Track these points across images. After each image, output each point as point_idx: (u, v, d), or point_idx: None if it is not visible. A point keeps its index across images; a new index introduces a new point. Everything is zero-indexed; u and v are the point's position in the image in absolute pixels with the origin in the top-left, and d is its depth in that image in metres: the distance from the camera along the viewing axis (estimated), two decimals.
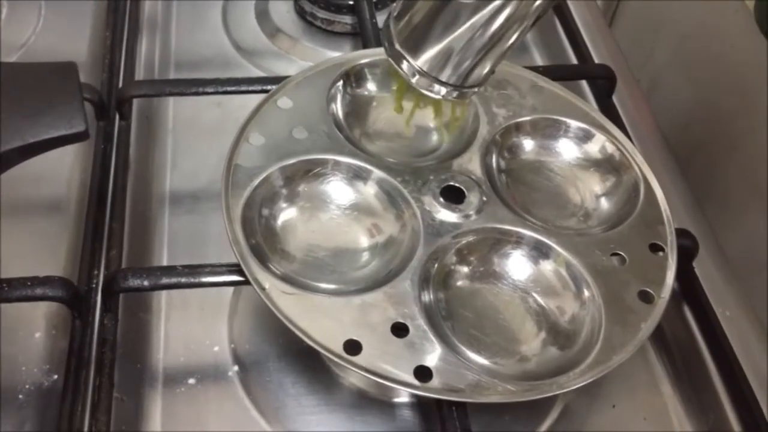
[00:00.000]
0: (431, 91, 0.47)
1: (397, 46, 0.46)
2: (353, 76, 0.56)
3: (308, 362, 0.50)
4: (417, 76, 0.46)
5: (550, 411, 0.50)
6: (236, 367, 0.50)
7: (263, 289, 0.44)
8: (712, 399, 0.50)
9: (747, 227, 0.71)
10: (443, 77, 0.46)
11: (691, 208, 0.60)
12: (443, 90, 0.47)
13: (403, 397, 0.49)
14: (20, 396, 0.47)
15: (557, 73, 0.61)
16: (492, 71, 0.47)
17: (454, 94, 0.47)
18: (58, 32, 0.69)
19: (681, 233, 0.53)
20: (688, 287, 0.54)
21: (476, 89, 0.48)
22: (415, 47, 0.46)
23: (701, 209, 0.61)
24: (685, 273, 0.54)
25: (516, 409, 0.49)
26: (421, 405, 0.49)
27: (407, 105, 0.53)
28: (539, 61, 0.75)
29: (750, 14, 0.66)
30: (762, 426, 0.47)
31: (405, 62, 0.46)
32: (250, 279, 0.44)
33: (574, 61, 0.71)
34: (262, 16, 0.74)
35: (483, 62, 0.46)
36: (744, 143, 0.73)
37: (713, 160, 0.77)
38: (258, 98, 0.53)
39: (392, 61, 0.47)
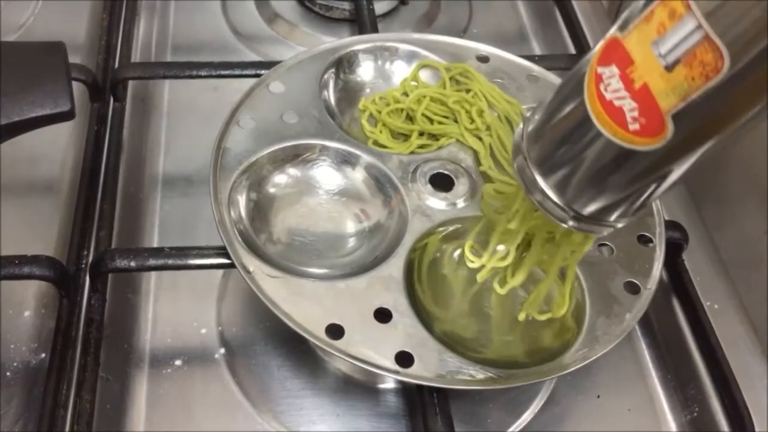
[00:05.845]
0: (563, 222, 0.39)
1: (535, 173, 0.38)
2: (346, 62, 0.56)
3: (294, 346, 0.50)
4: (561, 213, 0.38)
5: (534, 399, 0.50)
6: (223, 350, 0.51)
7: (248, 272, 0.44)
8: (698, 391, 0.50)
9: (745, 222, 0.71)
10: (579, 208, 0.38)
11: (683, 200, 0.60)
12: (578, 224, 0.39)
13: (388, 382, 0.49)
14: (8, 373, 0.47)
15: (552, 62, 0.61)
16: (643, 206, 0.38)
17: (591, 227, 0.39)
18: (57, 14, 0.69)
19: (671, 225, 0.52)
20: (677, 279, 0.54)
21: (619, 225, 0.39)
22: (551, 170, 0.38)
23: (694, 202, 0.61)
24: (674, 265, 0.54)
25: (499, 396, 0.49)
26: (405, 391, 0.49)
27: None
28: (537, 51, 0.74)
29: None
30: (746, 418, 0.47)
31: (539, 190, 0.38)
32: (236, 262, 0.44)
33: (573, 52, 0.70)
34: (261, 1, 0.74)
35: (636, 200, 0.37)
36: (744, 137, 0.72)
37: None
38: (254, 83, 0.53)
39: (521, 180, 0.39)
